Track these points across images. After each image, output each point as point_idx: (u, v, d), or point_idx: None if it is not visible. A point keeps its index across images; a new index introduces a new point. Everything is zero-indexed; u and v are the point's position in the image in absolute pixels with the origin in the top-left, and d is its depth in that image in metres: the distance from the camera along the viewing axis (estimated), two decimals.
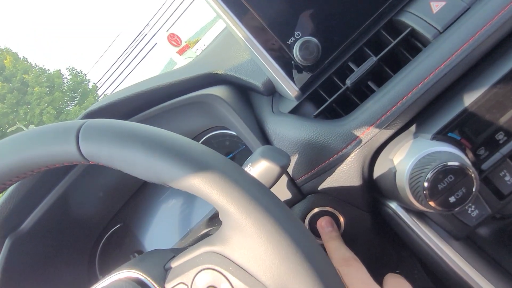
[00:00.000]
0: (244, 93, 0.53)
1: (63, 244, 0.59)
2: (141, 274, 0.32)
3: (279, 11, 0.43)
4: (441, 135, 0.37)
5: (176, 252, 0.35)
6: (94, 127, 0.29)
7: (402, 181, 0.37)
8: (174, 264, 0.32)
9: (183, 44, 11.04)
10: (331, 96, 0.45)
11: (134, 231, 0.68)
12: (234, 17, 0.42)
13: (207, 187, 0.26)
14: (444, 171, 0.33)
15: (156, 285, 0.30)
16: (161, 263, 0.33)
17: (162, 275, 0.32)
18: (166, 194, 0.68)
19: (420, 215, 0.42)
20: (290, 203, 0.47)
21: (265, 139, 0.47)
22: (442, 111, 0.38)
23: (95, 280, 0.65)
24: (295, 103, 0.46)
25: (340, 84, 0.45)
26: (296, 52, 0.42)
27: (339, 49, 0.44)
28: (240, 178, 0.27)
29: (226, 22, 0.44)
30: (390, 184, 0.39)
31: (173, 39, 10.82)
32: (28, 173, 0.32)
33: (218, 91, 0.48)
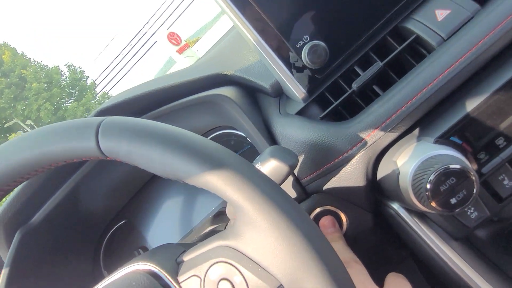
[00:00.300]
0: (251, 94, 0.54)
1: (70, 239, 0.60)
2: (154, 266, 0.33)
3: (289, 15, 0.44)
4: (443, 139, 0.39)
5: (186, 246, 0.36)
6: (114, 124, 0.30)
7: (405, 182, 0.38)
8: (186, 257, 0.33)
9: (183, 43, 11.04)
10: (336, 99, 0.47)
11: (138, 228, 0.69)
12: (245, 20, 0.44)
13: (222, 184, 0.27)
14: (446, 174, 0.35)
15: (169, 277, 0.31)
16: (173, 257, 0.34)
17: (175, 268, 0.33)
18: (170, 192, 0.69)
19: (421, 216, 0.43)
20: None
21: (272, 140, 0.48)
22: (445, 116, 0.40)
23: (100, 274, 0.67)
24: (302, 105, 0.47)
25: (346, 88, 0.47)
26: (304, 55, 0.44)
27: (345, 54, 0.45)
28: (254, 176, 0.28)
29: (236, 24, 0.45)
30: (393, 185, 0.40)
31: (173, 37, 10.82)
32: (46, 167, 0.33)
33: (227, 91, 0.50)
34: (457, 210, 0.36)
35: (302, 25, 0.44)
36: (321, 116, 0.46)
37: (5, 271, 0.50)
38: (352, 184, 0.44)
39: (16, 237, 0.50)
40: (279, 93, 0.51)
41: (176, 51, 10.70)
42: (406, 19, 0.45)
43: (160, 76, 0.56)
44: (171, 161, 0.28)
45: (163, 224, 0.69)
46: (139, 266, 0.34)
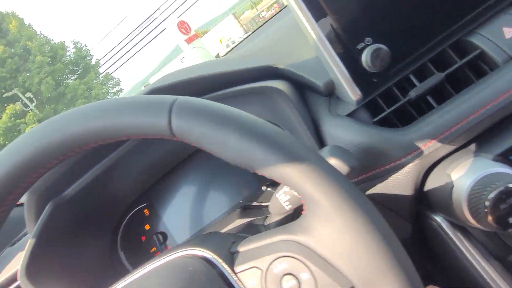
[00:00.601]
0: (300, 90, 0.53)
1: (93, 216, 0.59)
2: (209, 253, 0.32)
3: (354, 16, 0.43)
4: (503, 157, 0.38)
5: (235, 238, 0.36)
6: (189, 104, 0.29)
7: (460, 196, 0.38)
8: (242, 248, 0.32)
9: (192, 33, 10.97)
10: (387, 105, 0.46)
11: (158, 212, 0.68)
12: (310, 16, 0.43)
13: (300, 178, 0.27)
14: (508, 192, 0.34)
15: (225, 266, 0.31)
16: (226, 246, 0.34)
17: (230, 257, 0.32)
18: (194, 181, 0.68)
19: (464, 231, 0.43)
20: None
21: (319, 139, 0.48)
22: (507, 133, 0.39)
23: (116, 254, 0.66)
24: (354, 107, 0.47)
25: (400, 96, 0.46)
26: (366, 58, 0.43)
27: (406, 61, 0.45)
28: (332, 173, 0.27)
29: (299, 19, 0.44)
30: (445, 198, 0.40)
31: (183, 26, 10.74)
32: (107, 140, 0.31)
33: (280, 85, 0.49)
34: (510, 230, 0.36)
35: (366, 27, 0.44)
36: (374, 120, 0.45)
37: (31, 241, 0.49)
38: (399, 192, 0.44)
39: (48, 208, 0.49)
40: (330, 92, 0.50)
41: (185, 40, 10.63)
42: (470, 33, 0.45)
43: (211, 60, 0.55)
44: (247, 149, 0.27)
45: (184, 212, 0.68)
46: (192, 251, 0.33)
